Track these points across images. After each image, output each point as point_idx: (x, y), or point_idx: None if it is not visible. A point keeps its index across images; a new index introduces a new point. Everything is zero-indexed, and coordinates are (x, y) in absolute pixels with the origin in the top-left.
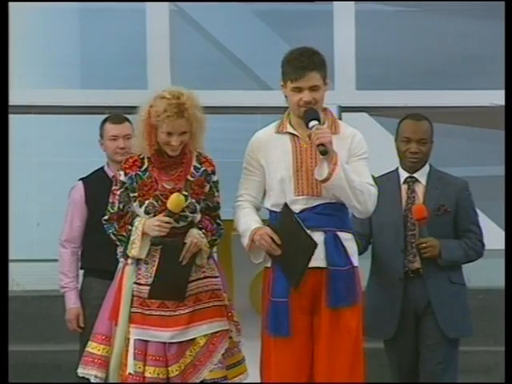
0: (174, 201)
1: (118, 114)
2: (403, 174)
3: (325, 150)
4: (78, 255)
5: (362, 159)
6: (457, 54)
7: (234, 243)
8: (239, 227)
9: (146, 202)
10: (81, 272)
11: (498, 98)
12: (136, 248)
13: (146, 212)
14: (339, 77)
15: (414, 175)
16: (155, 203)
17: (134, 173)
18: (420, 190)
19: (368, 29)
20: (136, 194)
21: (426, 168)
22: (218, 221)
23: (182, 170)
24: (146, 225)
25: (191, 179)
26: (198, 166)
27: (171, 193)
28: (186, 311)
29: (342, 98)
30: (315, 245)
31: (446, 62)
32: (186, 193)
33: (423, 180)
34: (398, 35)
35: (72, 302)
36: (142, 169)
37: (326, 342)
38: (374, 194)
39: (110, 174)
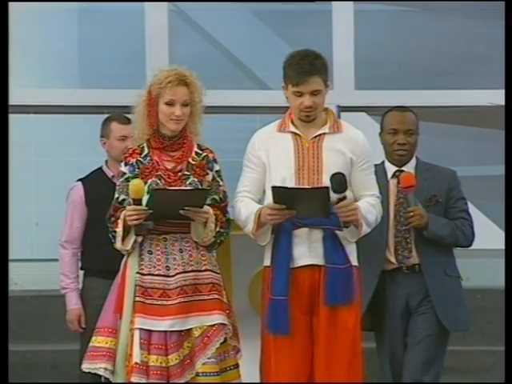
0: (133, 188)
1: (123, 115)
2: (391, 168)
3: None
4: (78, 256)
5: (367, 168)
6: (455, 53)
7: (233, 243)
8: (241, 217)
9: (149, 181)
10: (81, 272)
11: (497, 97)
12: (119, 240)
13: (149, 191)
14: (338, 76)
15: (403, 168)
16: (158, 181)
17: (134, 160)
18: None
19: (367, 28)
20: None
21: (414, 161)
22: (227, 215)
23: (183, 154)
24: (125, 217)
25: (193, 162)
26: (200, 151)
27: (173, 173)
28: (185, 300)
29: (340, 98)
30: (325, 187)
31: (445, 62)
32: (187, 172)
33: (412, 173)
34: (397, 35)
35: (73, 303)
36: (143, 155)
37: (323, 340)
38: (380, 203)
39: (110, 174)
